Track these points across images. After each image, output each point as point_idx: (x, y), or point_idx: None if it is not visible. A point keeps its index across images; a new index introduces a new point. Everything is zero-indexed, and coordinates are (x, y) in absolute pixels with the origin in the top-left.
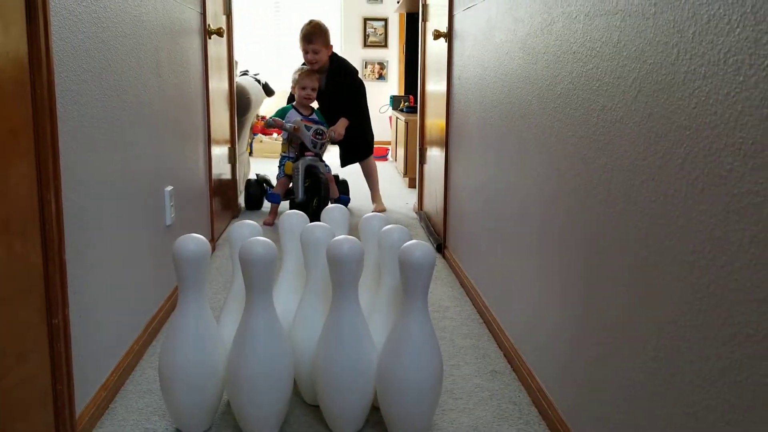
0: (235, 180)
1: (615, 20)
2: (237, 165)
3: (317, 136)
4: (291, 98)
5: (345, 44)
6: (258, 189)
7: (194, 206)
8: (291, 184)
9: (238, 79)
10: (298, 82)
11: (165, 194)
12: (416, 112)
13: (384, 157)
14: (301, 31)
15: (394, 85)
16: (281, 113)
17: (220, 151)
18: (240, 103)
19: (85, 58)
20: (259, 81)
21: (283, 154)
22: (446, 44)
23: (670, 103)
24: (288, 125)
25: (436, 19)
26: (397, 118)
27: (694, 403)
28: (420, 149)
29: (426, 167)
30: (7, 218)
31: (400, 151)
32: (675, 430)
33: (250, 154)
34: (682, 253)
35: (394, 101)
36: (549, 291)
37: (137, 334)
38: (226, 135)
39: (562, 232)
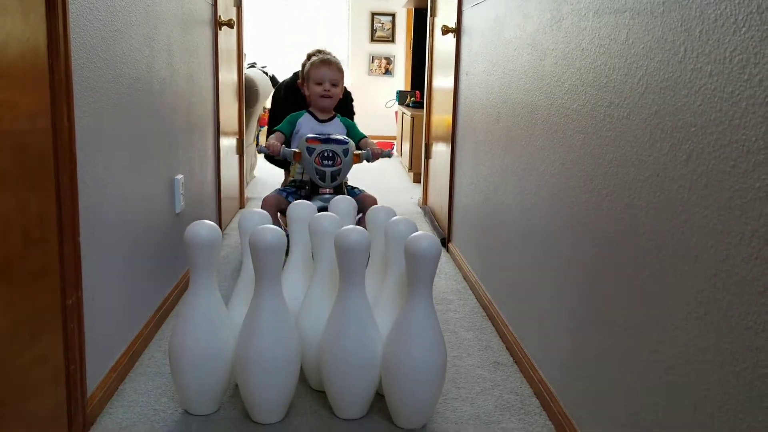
0: (242, 171)
1: (624, 18)
2: (244, 156)
3: (325, 162)
4: (287, 101)
5: (352, 39)
6: None
7: (203, 195)
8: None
9: (246, 71)
10: (311, 74)
11: (176, 182)
12: (422, 108)
13: (389, 152)
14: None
15: (400, 80)
16: (291, 122)
17: (228, 143)
18: (248, 95)
19: (101, 47)
20: (266, 73)
21: (292, 182)
22: (454, 40)
23: (676, 100)
24: (286, 151)
25: (444, 15)
26: (403, 113)
27: (694, 393)
28: (425, 144)
29: (431, 162)
30: (24, 202)
31: (406, 146)
32: (674, 420)
33: (257, 145)
34: (685, 247)
35: (401, 96)
36: (553, 285)
37: (147, 318)
38: (235, 126)
39: (567, 227)
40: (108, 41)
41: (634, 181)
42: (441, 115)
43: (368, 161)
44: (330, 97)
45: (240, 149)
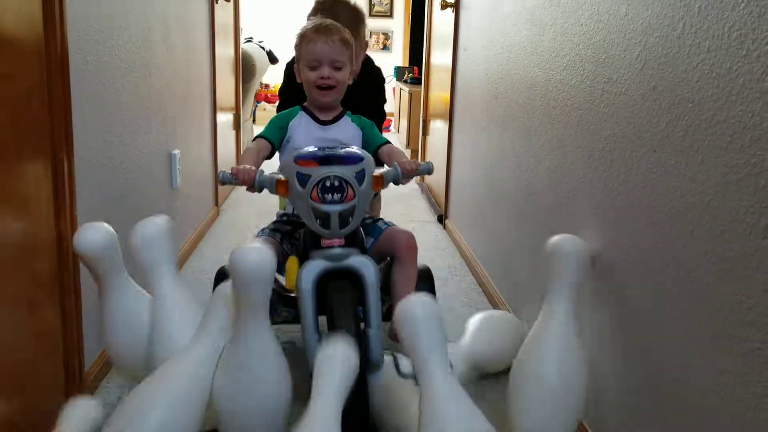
0: (239, 147)
1: None
2: (241, 132)
3: (327, 197)
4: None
5: None
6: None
7: (200, 171)
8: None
9: (243, 46)
10: (302, 53)
11: (173, 157)
12: (420, 84)
13: (387, 129)
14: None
15: (398, 56)
16: (281, 126)
17: (224, 118)
18: (244, 69)
19: (96, 19)
20: (263, 48)
21: (284, 216)
22: (453, 15)
23: (674, 76)
24: (264, 180)
25: None
26: (400, 89)
27: (685, 367)
28: (423, 121)
29: (429, 139)
30: (22, 175)
31: (403, 123)
32: (665, 392)
33: (254, 121)
34: (680, 222)
35: (398, 72)
36: None
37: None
38: (231, 101)
39: (564, 203)
40: (104, 14)
41: (631, 157)
42: (439, 92)
43: (397, 183)
44: (331, 87)
45: (236, 125)
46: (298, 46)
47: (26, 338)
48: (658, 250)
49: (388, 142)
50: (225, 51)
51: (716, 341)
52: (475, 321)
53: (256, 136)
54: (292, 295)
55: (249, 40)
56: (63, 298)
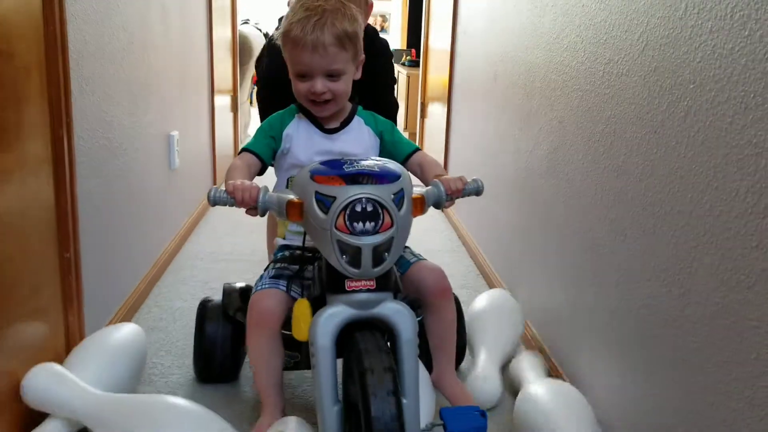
0: (237, 129)
1: None
2: (238, 114)
3: (358, 225)
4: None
5: None
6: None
7: (198, 152)
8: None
9: (240, 28)
10: (287, 56)
11: (171, 139)
12: (418, 66)
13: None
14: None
15: (396, 38)
16: (273, 135)
17: (222, 100)
18: (242, 52)
19: None
20: (260, 30)
21: (286, 249)
22: None
23: (676, 57)
24: (270, 202)
25: None
26: (398, 72)
27: (684, 346)
28: (421, 104)
29: (426, 121)
30: (22, 155)
31: (401, 106)
32: (664, 372)
33: (251, 104)
34: (680, 203)
35: (396, 55)
36: (547, 242)
37: (144, 272)
38: (229, 84)
39: (563, 185)
40: None
41: (632, 138)
42: (437, 74)
43: (438, 207)
44: (326, 102)
45: (234, 107)
46: (283, 47)
47: (26, 319)
48: (658, 230)
49: (418, 149)
50: (222, 33)
51: (714, 319)
52: (483, 321)
53: (242, 149)
54: (288, 332)
55: (246, 22)
56: (63, 280)
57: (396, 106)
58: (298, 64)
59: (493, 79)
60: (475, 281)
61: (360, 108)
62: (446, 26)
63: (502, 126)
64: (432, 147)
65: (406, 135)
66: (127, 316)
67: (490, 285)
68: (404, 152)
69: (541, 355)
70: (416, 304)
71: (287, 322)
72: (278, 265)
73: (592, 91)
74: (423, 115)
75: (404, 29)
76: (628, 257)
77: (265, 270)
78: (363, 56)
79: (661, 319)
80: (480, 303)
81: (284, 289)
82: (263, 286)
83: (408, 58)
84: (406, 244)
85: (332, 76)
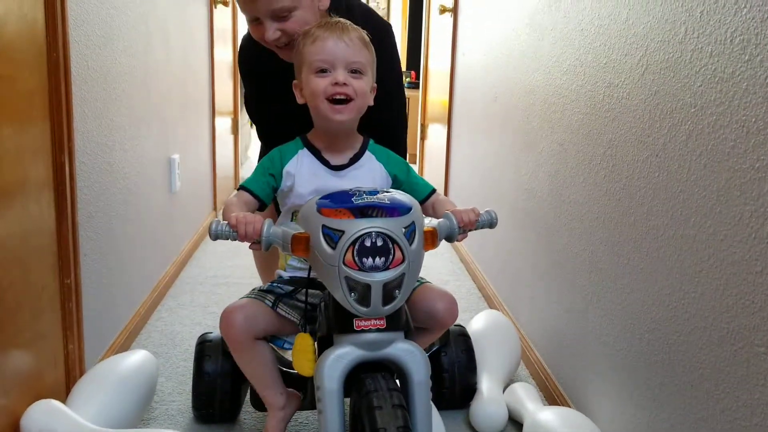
0: (237, 151)
1: None
2: (239, 136)
3: (367, 261)
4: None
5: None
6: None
7: (198, 175)
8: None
9: None
10: (306, 55)
11: (172, 162)
12: (418, 88)
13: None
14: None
15: None
16: (273, 171)
17: (223, 122)
18: None
19: (97, 23)
20: None
21: (289, 281)
22: (452, 19)
23: (676, 80)
24: (274, 236)
25: None
26: None
27: (691, 371)
28: (421, 125)
29: (427, 143)
30: (23, 180)
31: None
32: (672, 398)
33: (251, 125)
34: (684, 227)
35: None
36: (552, 264)
37: (144, 297)
38: (230, 106)
39: (564, 208)
40: (105, 19)
41: (633, 161)
42: (437, 96)
43: (451, 240)
44: (348, 100)
45: (234, 129)
46: (300, 49)
47: (26, 347)
48: (662, 254)
49: (435, 190)
50: (223, 55)
51: (721, 345)
52: (482, 341)
53: (240, 186)
54: (293, 372)
55: None
56: (63, 306)
57: (403, 122)
58: (319, 54)
59: (493, 101)
60: (477, 304)
61: (372, 142)
62: (446, 48)
63: (503, 148)
64: (432, 168)
65: (407, 156)
66: (127, 342)
67: (492, 307)
68: (421, 194)
69: (534, 384)
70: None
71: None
72: (272, 284)
73: (593, 114)
74: (423, 137)
75: (403, 51)
76: (632, 281)
77: (255, 288)
78: (376, 85)
79: (666, 344)
80: (475, 325)
81: (270, 304)
82: (248, 296)
83: (408, 79)
84: None
85: (355, 72)
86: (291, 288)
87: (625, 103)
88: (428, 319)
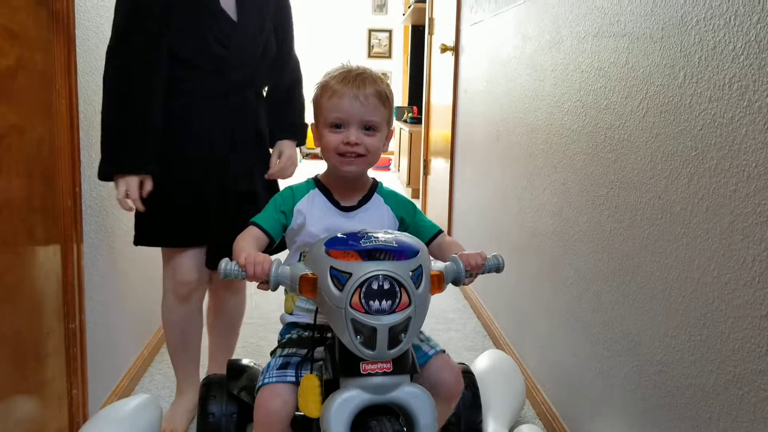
0: None
1: (623, 42)
2: None
3: (374, 304)
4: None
5: (349, 55)
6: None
7: None
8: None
9: None
10: (322, 107)
11: None
12: (420, 123)
13: (387, 167)
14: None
15: (397, 95)
16: (284, 210)
17: None
18: None
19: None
20: None
21: (294, 328)
22: (453, 58)
23: (677, 124)
24: (282, 276)
25: (442, 33)
26: (400, 128)
27: (698, 415)
28: (424, 161)
29: (430, 178)
30: (31, 228)
31: (404, 162)
32: None
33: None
34: (688, 269)
35: (398, 112)
36: (554, 304)
37: (147, 339)
38: None
39: (568, 247)
40: None
41: (636, 202)
42: (439, 131)
43: (457, 284)
44: (359, 156)
45: None
46: (318, 100)
47: (31, 393)
48: (667, 296)
49: (441, 231)
50: None
51: (728, 389)
52: (488, 382)
53: (251, 222)
54: (298, 414)
55: None
56: (68, 351)
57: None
58: (334, 111)
59: (496, 139)
60: (482, 342)
61: (381, 185)
62: (447, 85)
63: (506, 185)
64: (435, 203)
65: (409, 192)
66: (130, 384)
67: (497, 346)
68: (427, 235)
69: (541, 425)
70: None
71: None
72: (285, 350)
73: (595, 154)
74: (426, 172)
75: (405, 87)
76: (638, 323)
77: (272, 354)
78: (393, 129)
79: (674, 387)
80: (480, 365)
81: (293, 379)
82: (270, 380)
83: (410, 115)
84: (422, 330)
85: (368, 129)
86: (305, 350)
87: (627, 145)
88: (435, 388)
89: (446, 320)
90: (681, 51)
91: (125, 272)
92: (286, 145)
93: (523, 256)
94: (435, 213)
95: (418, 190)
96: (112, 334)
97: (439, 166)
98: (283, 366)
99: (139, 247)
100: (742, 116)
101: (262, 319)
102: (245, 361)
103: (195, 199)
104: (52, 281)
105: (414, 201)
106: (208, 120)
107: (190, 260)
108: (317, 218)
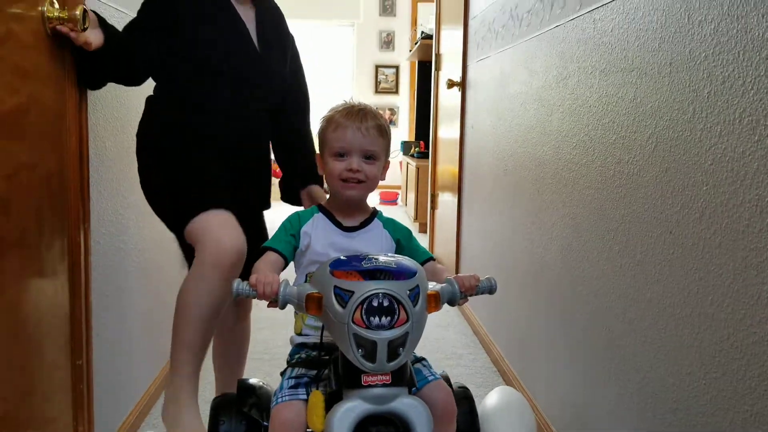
0: None
1: (631, 77)
2: None
3: (374, 320)
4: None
5: (357, 90)
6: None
7: None
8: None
9: None
10: (328, 138)
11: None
12: (427, 158)
13: (394, 202)
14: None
15: (404, 130)
16: (293, 233)
17: None
18: None
19: (115, 106)
20: None
21: (302, 349)
22: (459, 93)
23: (687, 158)
24: (289, 296)
25: (449, 69)
26: (407, 163)
27: None
28: (431, 195)
29: (437, 212)
30: (40, 263)
31: (411, 196)
32: None
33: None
34: (701, 305)
35: (405, 146)
36: (568, 339)
37: (154, 375)
38: None
39: (578, 282)
40: (122, 103)
41: (647, 237)
42: (447, 166)
43: (452, 304)
44: (360, 183)
45: None
46: (323, 132)
47: (38, 427)
48: (680, 332)
49: (433, 258)
50: None
51: (745, 428)
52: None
53: (264, 246)
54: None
55: None
56: (75, 387)
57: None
58: (338, 141)
59: (503, 173)
60: (492, 379)
61: (380, 213)
62: (455, 119)
63: (514, 219)
64: (443, 237)
65: (416, 227)
66: (137, 420)
67: (507, 382)
68: (419, 260)
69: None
70: None
71: None
72: (295, 371)
73: (604, 189)
74: (433, 206)
75: (412, 122)
76: (651, 359)
77: (282, 374)
78: (389, 161)
79: (689, 425)
80: (489, 403)
81: (304, 398)
82: (283, 399)
83: (417, 149)
84: (425, 357)
85: (368, 158)
86: (315, 371)
87: (636, 180)
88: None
89: (456, 356)
90: (690, 86)
91: (133, 308)
92: (315, 189)
93: (532, 291)
94: (442, 248)
95: (426, 224)
96: (120, 370)
97: (447, 200)
98: (294, 387)
99: (149, 281)
100: (754, 150)
101: (273, 354)
102: (254, 380)
103: (220, 153)
104: (59, 317)
105: (421, 236)
106: (226, 128)
107: (233, 229)
108: (321, 236)
